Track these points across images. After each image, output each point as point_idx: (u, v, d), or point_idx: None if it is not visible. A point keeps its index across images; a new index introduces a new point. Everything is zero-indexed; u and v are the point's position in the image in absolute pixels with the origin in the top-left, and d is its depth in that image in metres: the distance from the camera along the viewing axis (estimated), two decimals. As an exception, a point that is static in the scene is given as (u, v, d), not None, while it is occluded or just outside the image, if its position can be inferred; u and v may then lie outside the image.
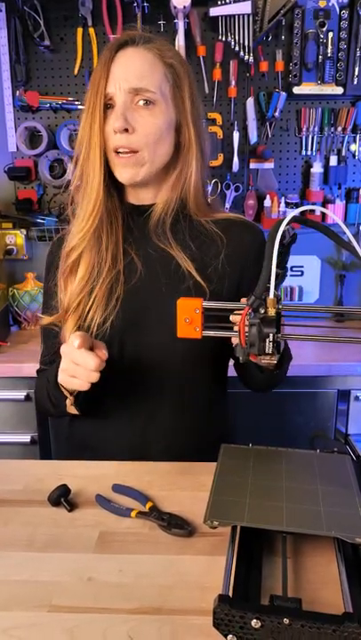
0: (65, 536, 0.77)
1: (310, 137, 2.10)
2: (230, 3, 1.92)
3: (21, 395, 1.80)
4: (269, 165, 2.11)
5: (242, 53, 1.99)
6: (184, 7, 1.86)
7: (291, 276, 2.20)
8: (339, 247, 2.06)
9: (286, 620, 0.55)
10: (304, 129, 2.09)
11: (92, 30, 1.99)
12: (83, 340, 0.81)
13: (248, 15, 1.93)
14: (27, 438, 1.83)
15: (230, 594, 0.59)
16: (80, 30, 1.99)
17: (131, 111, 0.91)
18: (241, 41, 1.98)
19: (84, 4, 1.96)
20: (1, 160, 2.13)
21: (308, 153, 2.12)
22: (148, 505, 0.81)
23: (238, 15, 1.94)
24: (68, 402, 0.93)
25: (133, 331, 0.97)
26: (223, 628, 0.56)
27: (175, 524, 0.76)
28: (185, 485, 0.88)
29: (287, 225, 0.67)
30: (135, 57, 0.91)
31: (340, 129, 2.07)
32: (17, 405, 1.82)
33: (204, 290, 0.94)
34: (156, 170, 0.96)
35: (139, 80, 0.90)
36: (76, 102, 2.06)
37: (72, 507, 0.82)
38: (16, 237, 2.16)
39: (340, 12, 1.94)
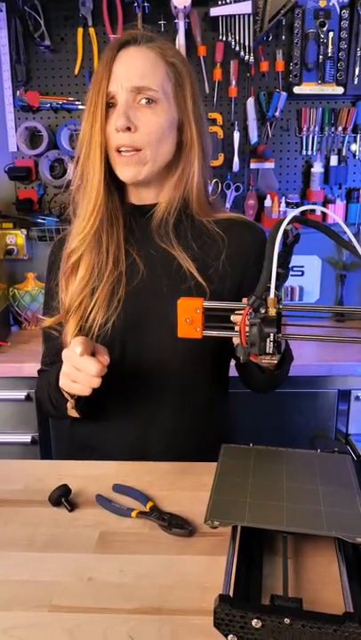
0: (65, 536, 0.77)
1: (311, 137, 2.10)
2: (231, 3, 1.92)
3: (22, 395, 1.80)
4: (270, 165, 2.11)
5: (242, 53, 1.99)
6: (184, 7, 1.86)
7: (291, 275, 2.20)
8: (339, 247, 2.06)
9: (287, 620, 0.55)
10: (304, 129, 2.09)
11: (92, 30, 1.99)
12: (84, 347, 0.80)
13: (248, 15, 1.93)
14: (27, 438, 1.83)
15: (231, 594, 0.59)
16: (80, 30, 2.00)
17: (133, 110, 0.91)
18: (241, 41, 1.97)
19: (85, 4, 1.96)
20: (1, 160, 2.13)
21: (309, 153, 2.12)
22: (149, 505, 0.81)
23: (239, 15, 1.94)
24: (70, 405, 0.93)
25: (135, 331, 0.97)
26: (224, 628, 0.56)
27: (176, 524, 0.76)
28: (185, 485, 0.88)
29: (288, 225, 0.67)
30: (137, 56, 0.91)
31: (340, 129, 2.07)
32: (17, 405, 1.82)
33: (205, 290, 0.94)
34: (158, 169, 0.95)
35: (141, 79, 0.90)
36: (77, 102, 2.06)
37: (72, 507, 0.82)
38: (16, 237, 2.16)
39: (341, 11, 1.94)
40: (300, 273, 2.20)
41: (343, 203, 2.13)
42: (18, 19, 1.99)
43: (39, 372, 1.10)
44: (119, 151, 0.92)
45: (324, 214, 2.02)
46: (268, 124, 2.07)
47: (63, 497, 0.83)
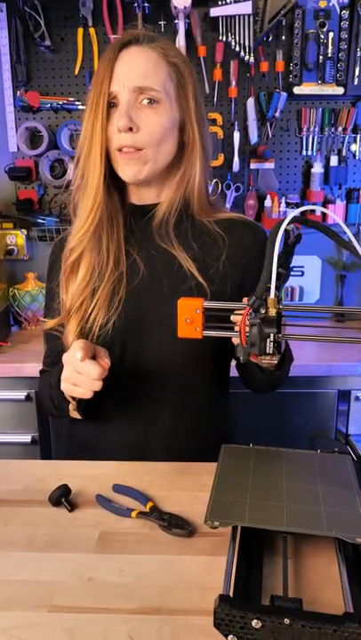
0: (65, 536, 0.77)
1: (311, 137, 2.10)
2: (231, 3, 1.92)
3: (22, 395, 1.80)
4: (270, 165, 2.11)
5: (242, 53, 1.99)
6: (185, 7, 1.86)
7: (291, 276, 2.18)
8: (339, 247, 2.06)
9: (287, 621, 0.55)
10: (305, 129, 2.09)
11: (92, 30, 1.99)
12: (85, 351, 0.80)
13: (249, 15, 1.94)
14: (27, 438, 1.83)
15: (231, 594, 0.59)
16: (81, 30, 2.00)
17: (135, 110, 0.90)
18: (241, 41, 1.98)
19: (85, 5, 1.96)
20: (2, 160, 2.13)
21: (309, 153, 2.12)
22: (149, 505, 0.81)
23: (239, 15, 1.94)
24: (71, 407, 0.94)
25: (135, 331, 0.97)
26: (224, 629, 0.56)
27: (176, 524, 0.76)
28: (185, 485, 0.88)
29: (289, 225, 0.67)
30: (139, 56, 0.91)
31: (340, 129, 2.07)
32: (17, 405, 1.82)
33: (206, 290, 0.94)
34: (159, 169, 0.95)
35: (143, 79, 0.90)
36: (77, 102, 2.06)
37: (72, 507, 0.82)
38: (17, 237, 2.16)
39: (341, 12, 1.94)
40: (300, 273, 2.20)
41: (343, 203, 2.13)
42: (18, 19, 1.99)
43: (41, 372, 1.10)
44: (120, 150, 0.92)
45: (324, 214, 2.02)
46: (268, 124, 2.07)
47: (63, 497, 0.83)
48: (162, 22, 1.97)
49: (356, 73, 1.98)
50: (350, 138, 2.10)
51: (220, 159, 2.07)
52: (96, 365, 0.80)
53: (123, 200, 1.01)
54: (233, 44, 1.98)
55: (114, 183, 0.97)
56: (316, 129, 2.08)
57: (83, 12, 1.97)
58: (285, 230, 0.67)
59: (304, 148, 2.11)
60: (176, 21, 1.93)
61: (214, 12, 1.94)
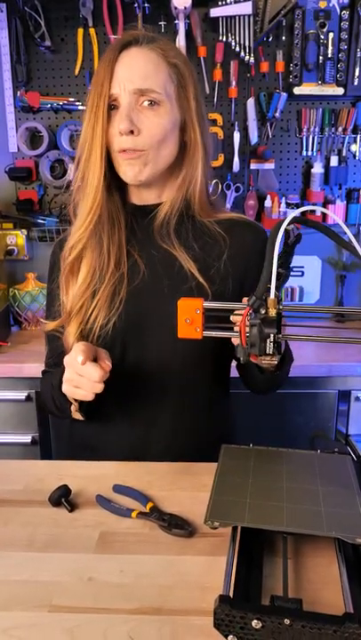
0: (65, 536, 0.77)
1: (311, 137, 2.10)
2: (231, 3, 1.92)
3: (22, 395, 1.80)
4: (270, 166, 2.11)
5: (242, 54, 1.99)
6: (185, 8, 1.86)
7: (291, 276, 2.18)
8: (339, 247, 2.06)
9: (287, 621, 0.55)
10: (305, 129, 2.09)
11: (92, 31, 1.99)
12: (86, 355, 0.80)
13: (249, 16, 1.94)
14: (27, 438, 1.83)
15: (231, 594, 0.59)
16: (81, 31, 2.00)
17: (136, 112, 0.90)
18: (241, 41, 1.98)
19: (85, 5, 1.96)
20: (2, 160, 2.13)
21: (309, 153, 2.12)
22: (149, 505, 0.81)
23: (239, 16, 1.94)
24: (73, 408, 0.94)
25: (135, 332, 0.97)
26: (224, 629, 0.56)
27: (176, 525, 0.76)
28: (185, 485, 0.88)
29: (288, 225, 0.67)
30: (139, 57, 0.91)
31: (340, 129, 2.07)
32: (17, 406, 1.82)
33: (207, 291, 0.94)
34: (160, 170, 0.95)
35: (143, 81, 0.89)
36: (77, 103, 2.06)
37: (72, 507, 0.82)
38: (17, 238, 2.16)
39: (341, 12, 1.94)
40: (300, 273, 2.20)
41: (343, 203, 2.13)
42: (18, 19, 1.99)
43: (43, 372, 1.10)
44: (121, 152, 0.92)
45: (324, 215, 2.02)
46: (268, 124, 2.07)
47: (63, 497, 0.83)
48: (162, 23, 1.97)
49: (357, 73, 1.98)
50: (350, 138, 2.10)
51: (221, 159, 2.07)
52: (97, 368, 0.80)
53: (124, 200, 1.01)
54: (233, 44, 1.98)
55: (115, 183, 0.97)
56: (317, 129, 2.08)
57: (83, 12, 1.97)
58: (285, 230, 0.67)
59: (304, 148, 2.11)
60: (176, 22, 1.93)
61: (214, 12, 1.94)
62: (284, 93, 2.01)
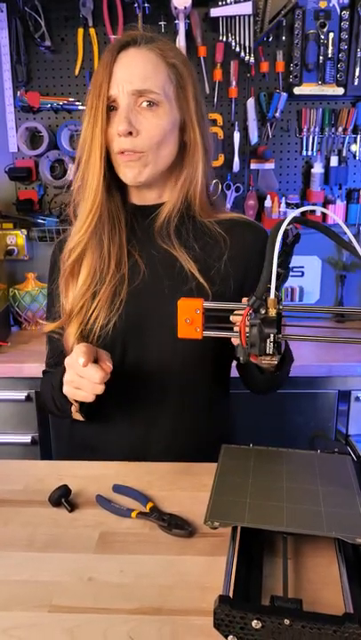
0: (65, 536, 0.77)
1: (311, 137, 2.10)
2: (231, 3, 1.92)
3: (22, 395, 1.80)
4: (270, 166, 2.11)
5: (242, 54, 1.99)
6: (185, 8, 1.86)
7: (291, 276, 2.20)
8: (339, 247, 2.06)
9: (287, 621, 0.55)
10: (305, 129, 2.09)
11: (92, 31, 1.99)
12: (88, 356, 0.80)
13: (249, 16, 1.93)
14: (27, 439, 1.83)
15: (231, 594, 0.59)
16: (81, 31, 2.00)
17: (135, 113, 0.90)
18: (242, 41, 1.98)
19: (85, 5, 1.96)
20: (2, 160, 2.13)
21: (309, 153, 2.12)
22: (149, 505, 0.81)
23: (239, 16, 1.94)
24: (74, 409, 0.94)
25: (136, 332, 0.97)
26: (224, 629, 0.56)
27: (176, 525, 0.76)
28: (185, 485, 0.88)
29: (288, 226, 0.67)
30: (138, 58, 0.91)
31: (340, 129, 2.07)
32: (17, 406, 1.82)
33: (207, 291, 0.94)
34: (160, 171, 0.95)
35: (142, 82, 0.89)
36: (77, 103, 2.06)
37: (72, 507, 0.82)
38: (17, 238, 2.16)
39: (341, 12, 1.94)
40: (300, 273, 2.20)
41: (343, 203, 2.13)
42: (18, 19, 1.99)
43: (44, 372, 1.10)
44: (120, 153, 0.92)
45: (324, 215, 2.02)
46: (268, 124, 2.07)
47: (63, 497, 0.83)
48: (162, 23, 1.97)
49: (357, 73, 1.98)
50: (350, 138, 2.10)
51: (221, 159, 2.07)
52: (98, 369, 0.80)
53: (124, 200, 1.01)
54: (233, 44, 1.98)
55: (115, 183, 0.97)
56: (317, 129, 2.08)
57: (83, 12, 1.97)
58: (284, 230, 0.67)
59: (304, 148, 2.11)
60: (176, 22, 1.93)
61: (214, 12, 1.94)
62: (285, 93, 2.01)
